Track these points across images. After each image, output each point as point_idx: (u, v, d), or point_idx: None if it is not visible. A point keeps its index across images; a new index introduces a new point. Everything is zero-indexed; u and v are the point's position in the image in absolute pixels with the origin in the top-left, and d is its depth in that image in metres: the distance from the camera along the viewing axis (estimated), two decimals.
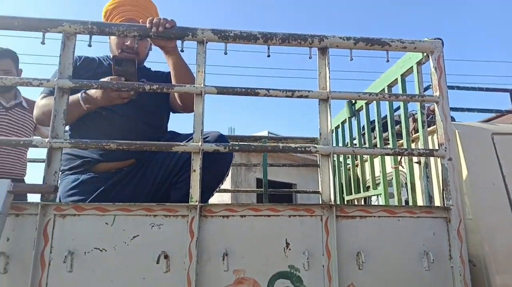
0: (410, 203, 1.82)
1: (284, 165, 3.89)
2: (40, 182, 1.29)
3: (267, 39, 1.47)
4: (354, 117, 2.73)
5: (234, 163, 1.86)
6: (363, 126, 2.63)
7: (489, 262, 1.49)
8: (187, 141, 1.41)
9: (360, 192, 2.70)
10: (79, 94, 1.56)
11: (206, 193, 1.56)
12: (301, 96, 1.44)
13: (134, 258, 1.26)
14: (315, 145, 1.45)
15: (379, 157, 2.25)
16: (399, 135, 2.08)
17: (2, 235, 1.14)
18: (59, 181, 1.32)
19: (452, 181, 1.43)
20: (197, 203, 1.30)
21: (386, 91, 2.12)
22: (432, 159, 1.80)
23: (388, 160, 2.22)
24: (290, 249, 1.32)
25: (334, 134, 2.98)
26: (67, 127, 1.62)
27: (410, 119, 2.08)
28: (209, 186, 1.59)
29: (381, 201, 2.25)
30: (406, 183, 1.95)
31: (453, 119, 1.77)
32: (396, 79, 2.02)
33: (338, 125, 2.94)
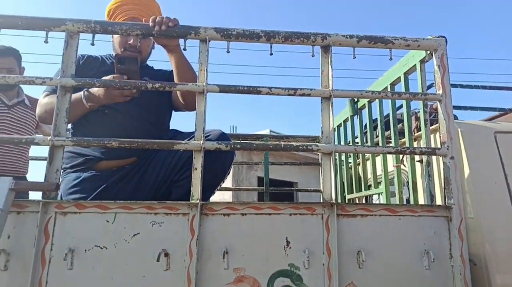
0: (412, 202, 1.82)
1: (286, 163, 3.89)
2: (42, 179, 1.30)
3: (269, 38, 1.47)
4: (356, 115, 2.73)
5: (235, 161, 1.86)
6: (366, 124, 2.62)
7: (489, 261, 1.48)
8: (189, 140, 1.41)
9: (361, 191, 2.70)
10: (81, 93, 1.57)
11: (207, 191, 1.56)
12: (303, 95, 1.43)
13: (135, 256, 1.26)
14: (317, 143, 1.45)
15: (381, 155, 2.24)
16: (401, 133, 2.08)
17: (3, 232, 1.15)
18: (60, 179, 1.32)
19: (454, 179, 1.42)
20: (198, 201, 1.30)
21: (389, 90, 2.12)
22: (434, 157, 1.80)
23: (390, 158, 2.21)
24: (290, 248, 1.32)
25: (336, 132, 2.97)
26: (69, 126, 1.63)
27: (413, 117, 2.08)
28: (210, 184, 1.59)
29: (383, 200, 2.25)
30: (407, 182, 1.94)
31: (456, 117, 1.77)
32: (399, 77, 2.01)
33: (340, 123, 2.94)
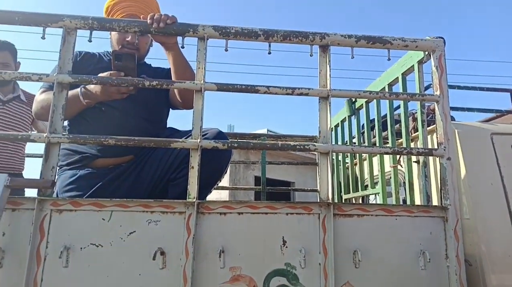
0: (408, 202, 1.82)
1: (283, 163, 3.89)
2: (38, 176, 1.29)
3: (268, 36, 1.46)
4: (354, 115, 2.73)
5: (232, 160, 1.86)
6: (363, 125, 2.63)
7: (485, 262, 1.49)
8: (186, 138, 1.40)
9: (358, 191, 2.70)
10: (78, 89, 1.56)
11: (204, 190, 1.55)
12: (301, 94, 1.43)
13: (130, 254, 1.25)
14: (314, 143, 1.45)
15: (378, 155, 2.25)
16: (398, 134, 2.08)
17: None
18: (56, 176, 1.32)
19: (451, 180, 1.43)
20: (194, 200, 1.30)
21: (387, 90, 2.12)
22: (431, 158, 1.80)
23: (387, 158, 2.22)
24: (287, 247, 1.32)
25: (333, 132, 2.98)
26: (65, 123, 1.62)
27: (410, 118, 2.08)
28: (207, 183, 1.58)
29: (379, 200, 2.25)
30: (404, 182, 1.95)
31: (453, 118, 1.77)
32: (397, 78, 2.02)
33: (338, 123, 2.94)
